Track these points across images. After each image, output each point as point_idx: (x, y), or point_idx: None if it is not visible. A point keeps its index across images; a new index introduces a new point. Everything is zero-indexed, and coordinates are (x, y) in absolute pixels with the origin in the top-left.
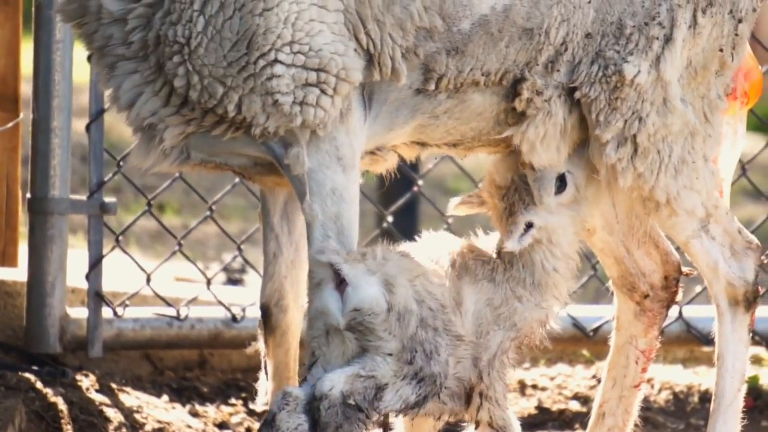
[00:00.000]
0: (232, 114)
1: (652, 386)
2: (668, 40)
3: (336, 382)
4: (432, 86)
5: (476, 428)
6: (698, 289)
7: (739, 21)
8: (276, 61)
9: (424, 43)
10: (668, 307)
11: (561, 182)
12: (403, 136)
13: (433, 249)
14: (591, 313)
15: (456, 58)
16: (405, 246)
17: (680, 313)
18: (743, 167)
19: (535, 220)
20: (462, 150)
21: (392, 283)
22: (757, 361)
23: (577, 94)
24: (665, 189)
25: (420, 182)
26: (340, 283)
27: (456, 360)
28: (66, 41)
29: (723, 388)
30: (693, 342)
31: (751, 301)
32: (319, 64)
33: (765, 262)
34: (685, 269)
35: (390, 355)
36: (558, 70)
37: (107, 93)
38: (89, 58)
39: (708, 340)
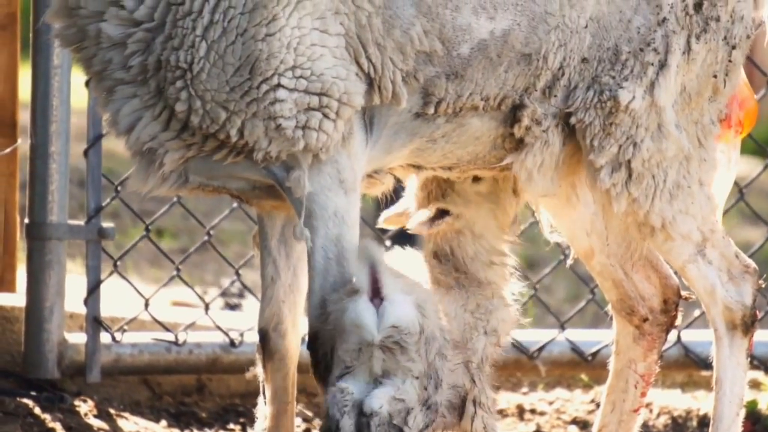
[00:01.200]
0: (234, 139)
1: (651, 411)
2: (663, 66)
3: (383, 400)
4: (431, 110)
5: None
6: (697, 313)
7: (733, 48)
8: (279, 85)
9: (424, 67)
10: (668, 331)
11: None
12: (400, 159)
13: (409, 267)
14: (589, 338)
15: (455, 82)
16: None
17: (679, 337)
18: (741, 191)
19: (451, 208)
20: (457, 173)
21: (423, 306)
22: (755, 385)
23: (573, 120)
24: (660, 214)
25: None
26: (375, 296)
27: (450, 369)
28: (64, 66)
29: (721, 412)
30: (691, 366)
31: (749, 325)
32: (321, 89)
33: (763, 285)
34: (684, 293)
35: (417, 378)
36: (555, 96)
37: (105, 117)
38: (87, 84)
39: (707, 365)
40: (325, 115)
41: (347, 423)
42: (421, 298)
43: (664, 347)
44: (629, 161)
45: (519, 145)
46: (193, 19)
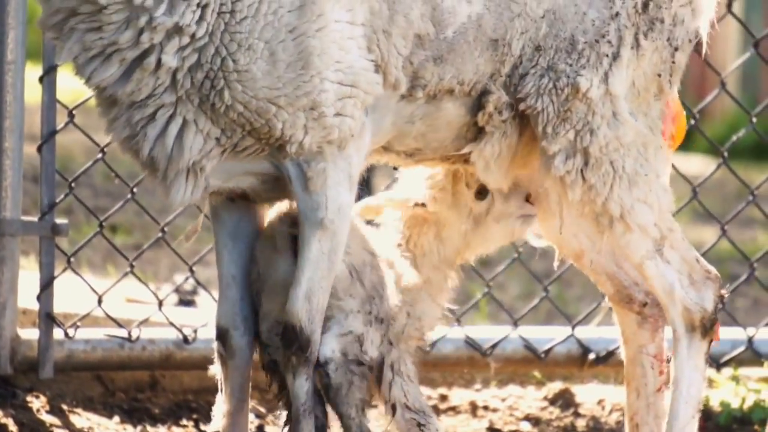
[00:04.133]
0: (277, 133)
1: (603, 407)
2: (616, 57)
3: (333, 344)
4: (419, 93)
5: (393, 414)
6: None
7: (676, 49)
8: (325, 78)
9: (417, 50)
10: None
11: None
12: (381, 140)
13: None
14: (542, 335)
15: (440, 65)
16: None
17: None
18: (694, 189)
19: (431, 205)
20: (414, 161)
21: (348, 244)
22: (707, 382)
23: (522, 106)
24: (619, 201)
25: None
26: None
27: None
28: (18, 62)
29: (676, 411)
30: None
31: (708, 328)
32: (353, 81)
33: (726, 295)
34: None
35: (358, 312)
36: (514, 84)
37: (135, 145)
38: (41, 79)
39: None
40: (355, 103)
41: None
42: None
43: (617, 345)
44: (586, 148)
45: (479, 135)
46: (248, 23)
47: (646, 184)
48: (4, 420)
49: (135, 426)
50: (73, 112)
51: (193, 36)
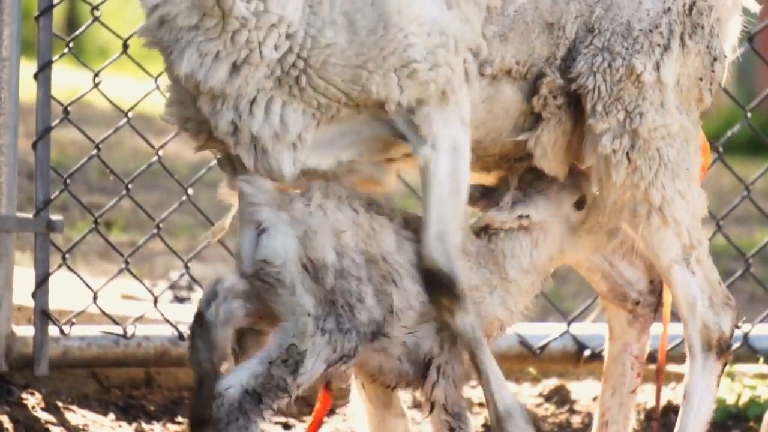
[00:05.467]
0: (373, 96)
1: None
2: (666, 48)
3: (236, 378)
4: (487, 69)
5: (430, 411)
6: None
7: (714, 59)
8: (410, 33)
9: (487, 24)
10: (656, 311)
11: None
12: None
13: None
14: (537, 331)
15: (503, 43)
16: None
17: None
18: None
19: (532, 213)
20: (474, 157)
21: (310, 236)
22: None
23: (574, 86)
24: (661, 190)
25: None
26: (261, 230)
27: (417, 318)
28: (12, 59)
29: (686, 424)
30: None
31: (723, 349)
32: (441, 29)
33: (740, 325)
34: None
35: (307, 314)
36: (568, 67)
37: (233, 130)
38: (36, 76)
39: (653, 358)
40: (447, 50)
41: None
42: (312, 226)
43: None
44: (635, 129)
45: (536, 123)
46: (329, 1)
47: (686, 179)
48: None
49: (130, 423)
50: (68, 108)
51: (289, 25)
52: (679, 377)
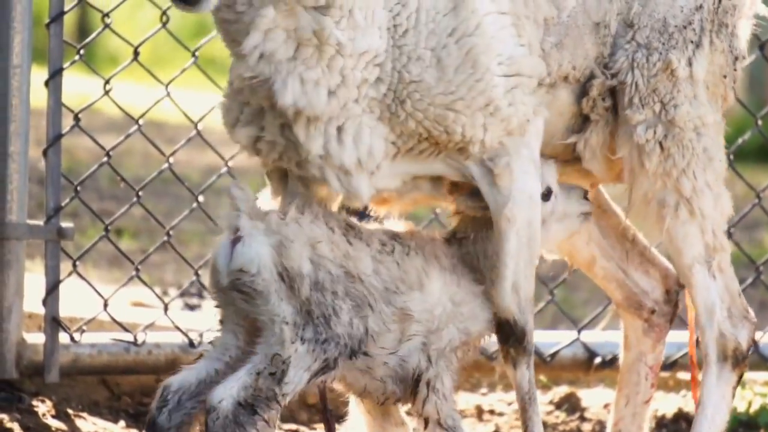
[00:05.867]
0: (456, 137)
1: (609, 412)
2: (698, 45)
3: (228, 391)
4: (546, 80)
5: (425, 428)
6: None
7: (736, 58)
8: (494, 74)
9: (545, 37)
10: (671, 321)
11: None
12: None
13: (398, 227)
14: (548, 339)
15: (560, 51)
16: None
17: None
18: None
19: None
20: None
21: (286, 245)
22: None
23: (614, 81)
24: (692, 179)
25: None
26: (236, 239)
27: (401, 337)
28: (23, 66)
29: None
30: None
31: (739, 360)
32: (516, 70)
33: (759, 340)
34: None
35: (286, 322)
36: (611, 66)
37: (328, 153)
38: (47, 83)
39: (664, 366)
40: (523, 88)
41: (163, 418)
42: (287, 236)
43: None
44: (671, 120)
45: (584, 125)
46: (412, 35)
47: (716, 171)
48: (9, 424)
49: (140, 430)
50: (79, 115)
51: (376, 55)
52: (689, 385)
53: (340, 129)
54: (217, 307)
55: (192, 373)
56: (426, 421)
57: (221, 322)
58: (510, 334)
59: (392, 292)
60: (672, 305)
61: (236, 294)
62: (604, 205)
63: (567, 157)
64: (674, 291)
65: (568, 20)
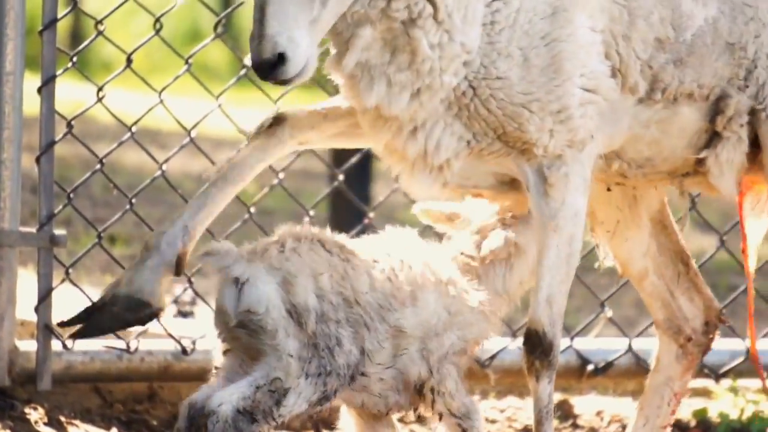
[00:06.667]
0: (525, 136)
1: (602, 419)
2: None
3: (229, 397)
4: (658, 96)
5: (440, 420)
6: (647, 322)
7: None
8: (574, 84)
9: (657, 54)
10: (704, 353)
11: None
12: (617, 145)
13: (394, 242)
14: None
15: (680, 68)
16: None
17: (630, 345)
18: (693, 200)
19: (520, 239)
20: (642, 174)
21: (291, 281)
22: (706, 393)
23: (763, 115)
24: None
25: (371, 214)
26: (239, 282)
27: (395, 351)
28: (16, 73)
29: None
30: (642, 374)
31: None
32: (594, 86)
33: (723, 319)
34: (723, 317)
35: (290, 355)
36: (748, 88)
37: (405, 148)
38: (39, 90)
39: None
40: (594, 108)
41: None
42: (291, 271)
43: (615, 356)
44: None
45: (712, 140)
46: (507, 33)
47: None
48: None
49: None
50: (72, 122)
51: (468, 52)
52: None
53: (417, 126)
54: (223, 342)
55: (213, 389)
56: (440, 415)
57: (226, 352)
58: (537, 345)
59: (386, 309)
60: (708, 338)
61: (242, 331)
62: (666, 222)
63: (687, 171)
64: (714, 324)
65: (693, 39)
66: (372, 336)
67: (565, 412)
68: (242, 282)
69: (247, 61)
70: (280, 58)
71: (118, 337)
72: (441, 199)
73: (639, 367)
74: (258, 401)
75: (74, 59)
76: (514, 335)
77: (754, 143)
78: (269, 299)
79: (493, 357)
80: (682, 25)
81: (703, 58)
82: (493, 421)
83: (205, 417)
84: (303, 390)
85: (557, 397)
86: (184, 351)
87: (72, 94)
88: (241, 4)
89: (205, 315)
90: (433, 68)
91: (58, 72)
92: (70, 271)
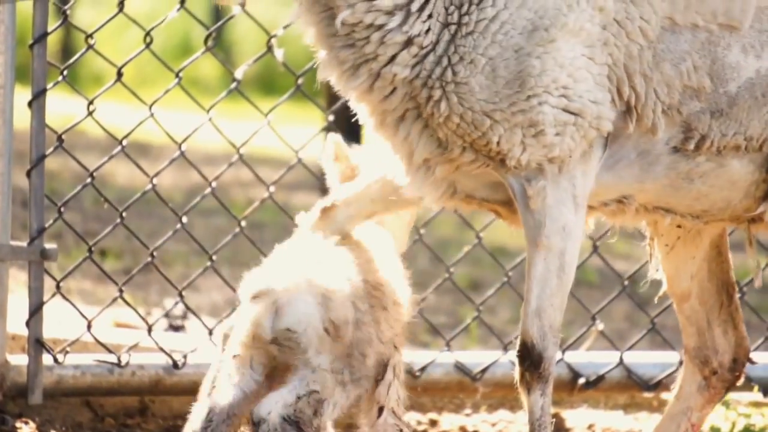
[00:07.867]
0: (493, 146)
1: None
2: None
3: (274, 405)
4: (691, 146)
5: (378, 416)
6: (638, 335)
7: None
8: (545, 101)
9: (689, 101)
10: (728, 389)
11: None
12: (651, 192)
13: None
14: None
15: (720, 120)
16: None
17: (621, 359)
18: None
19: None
20: (704, 221)
21: (331, 297)
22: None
23: None
24: None
25: None
26: (278, 304)
27: (381, 337)
28: (7, 87)
29: None
30: (633, 388)
31: None
32: (578, 110)
33: (752, 360)
34: (752, 356)
35: (324, 369)
36: None
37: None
38: (30, 104)
39: (648, 386)
40: (576, 131)
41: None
42: (330, 288)
43: (607, 369)
44: None
45: None
46: (474, 38)
47: None
48: None
49: None
50: (62, 136)
51: (421, 46)
52: None
53: (400, 119)
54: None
55: (227, 395)
56: (380, 410)
57: (237, 356)
58: (526, 356)
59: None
60: (734, 375)
61: (274, 347)
62: (722, 249)
63: (751, 218)
64: (742, 362)
65: (738, 91)
66: (387, 316)
67: (556, 425)
68: (282, 303)
69: (238, 74)
70: None
71: (110, 351)
72: (449, 209)
73: (630, 381)
74: (300, 409)
75: (65, 73)
76: (505, 348)
77: None
78: (309, 320)
79: (484, 370)
80: (725, 76)
81: (751, 110)
82: None
83: (255, 425)
84: (337, 399)
85: None
86: (175, 365)
87: (63, 107)
88: (232, 17)
89: (196, 329)
90: (377, 53)
91: (49, 85)
92: (61, 284)
